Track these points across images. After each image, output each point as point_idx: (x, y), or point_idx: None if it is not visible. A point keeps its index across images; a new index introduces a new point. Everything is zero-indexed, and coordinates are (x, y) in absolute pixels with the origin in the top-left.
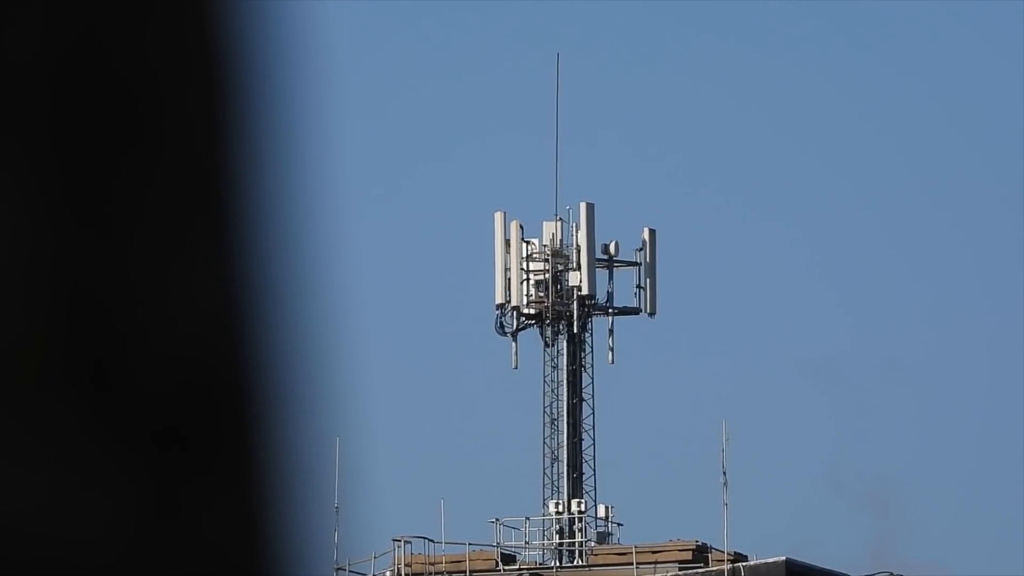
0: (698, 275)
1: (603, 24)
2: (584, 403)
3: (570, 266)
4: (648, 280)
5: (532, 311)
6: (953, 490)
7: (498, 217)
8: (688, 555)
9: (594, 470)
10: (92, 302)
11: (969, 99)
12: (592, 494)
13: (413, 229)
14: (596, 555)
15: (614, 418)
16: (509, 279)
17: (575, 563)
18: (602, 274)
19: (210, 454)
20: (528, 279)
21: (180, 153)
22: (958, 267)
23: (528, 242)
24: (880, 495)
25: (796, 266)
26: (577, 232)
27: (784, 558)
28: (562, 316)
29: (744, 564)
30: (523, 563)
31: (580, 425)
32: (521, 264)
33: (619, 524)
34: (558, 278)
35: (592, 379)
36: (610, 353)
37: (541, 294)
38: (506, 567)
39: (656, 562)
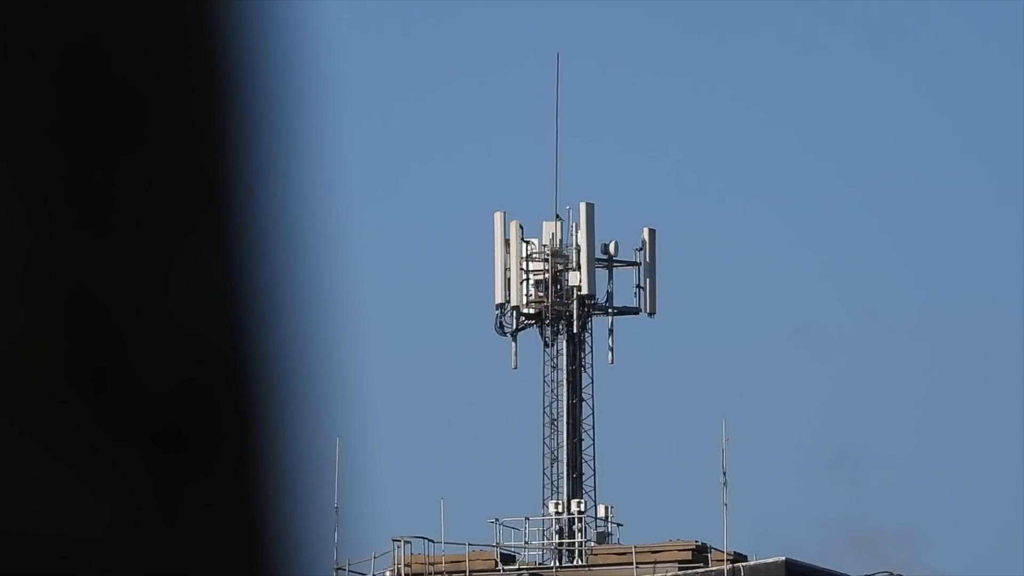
0: (698, 275)
1: (603, 24)
2: (584, 403)
3: (570, 266)
4: (648, 280)
5: (532, 311)
6: (953, 489)
7: (498, 217)
8: (688, 555)
9: (594, 470)
10: (92, 302)
11: (969, 99)
12: (592, 494)
13: (413, 229)
14: (596, 555)
15: (614, 418)
16: (509, 279)
17: (575, 563)
18: (602, 274)
19: (210, 454)
20: (528, 279)
21: (180, 153)
22: (958, 267)
23: (528, 242)
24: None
25: (796, 266)
26: (577, 232)
27: (784, 558)
28: (562, 316)
29: (744, 564)
30: (523, 563)
31: (580, 425)
32: (521, 264)
33: (619, 524)
34: (558, 278)
35: (592, 379)
36: (610, 353)
37: (541, 294)
38: (506, 567)
39: (656, 562)
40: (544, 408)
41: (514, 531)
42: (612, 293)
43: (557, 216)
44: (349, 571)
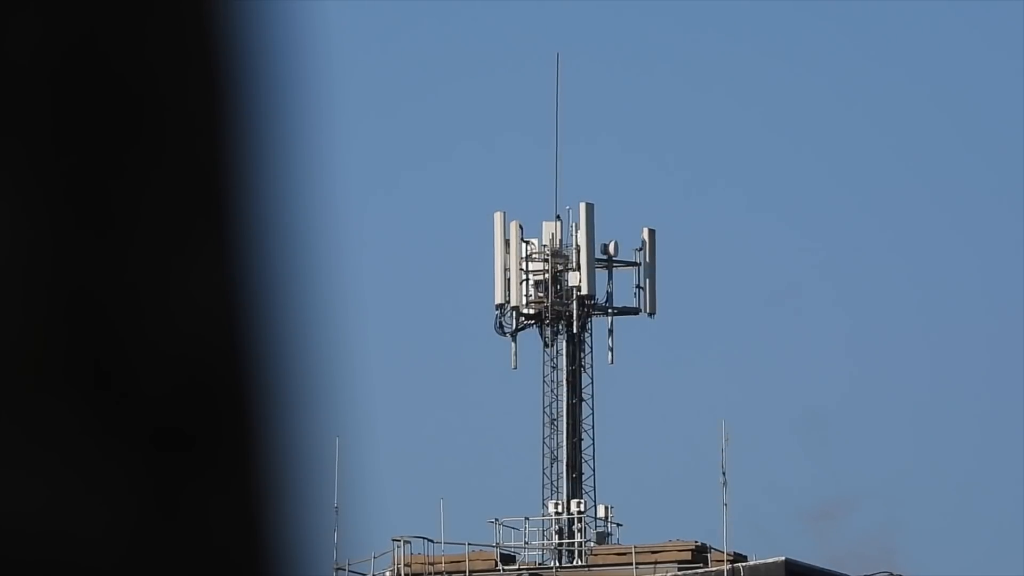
0: (698, 275)
1: (603, 24)
2: (584, 403)
3: (570, 266)
4: (648, 280)
5: (532, 311)
6: (953, 490)
7: (498, 217)
8: (688, 555)
9: (593, 470)
10: (92, 302)
11: (969, 99)
12: (592, 494)
13: (413, 229)
14: (596, 555)
15: (614, 418)
16: (508, 279)
17: (575, 563)
18: (602, 274)
19: (210, 454)
20: (528, 279)
21: (180, 153)
22: (958, 267)
23: (528, 242)
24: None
25: (796, 266)
26: (577, 232)
27: (784, 558)
28: (561, 316)
29: (744, 564)
30: (523, 563)
31: (580, 425)
32: (521, 264)
33: (619, 524)
34: (557, 278)
35: (592, 379)
36: (610, 353)
37: (540, 294)
38: (506, 567)
39: (656, 562)
40: (544, 408)
41: (514, 531)
42: (612, 293)
43: (557, 216)
44: (349, 571)
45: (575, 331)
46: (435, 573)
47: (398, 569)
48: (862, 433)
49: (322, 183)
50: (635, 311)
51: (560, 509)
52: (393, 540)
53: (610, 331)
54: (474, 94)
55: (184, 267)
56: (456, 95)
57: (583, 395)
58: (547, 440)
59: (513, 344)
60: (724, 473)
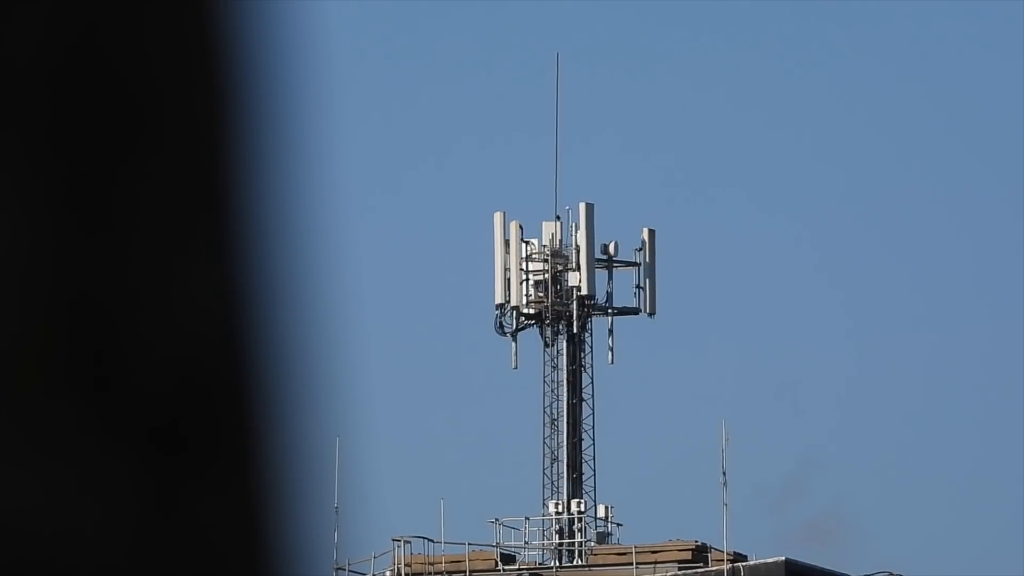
0: (698, 275)
1: (603, 24)
2: (584, 403)
3: (569, 266)
4: (648, 280)
5: (532, 311)
6: (953, 490)
7: (498, 217)
8: (688, 555)
9: (594, 470)
10: (92, 302)
11: (969, 99)
12: (592, 494)
13: (413, 229)
14: (596, 555)
15: (614, 418)
16: (509, 279)
17: (575, 563)
18: (601, 274)
19: (210, 454)
20: (528, 279)
21: (180, 153)
22: (958, 267)
23: (528, 242)
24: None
25: (796, 266)
26: (576, 232)
27: (784, 558)
28: (562, 316)
29: (744, 564)
30: (523, 563)
31: (580, 425)
32: (521, 264)
33: (619, 524)
34: (558, 278)
35: (592, 379)
36: (610, 353)
37: (541, 294)
38: (506, 567)
39: (656, 562)
40: (544, 408)
41: (514, 531)
42: (612, 293)
43: (557, 216)
44: (349, 571)
45: (575, 331)
46: (435, 573)
47: (398, 569)
48: (862, 433)
49: (322, 183)
50: (635, 311)
51: (560, 509)
52: (393, 540)
53: (610, 331)
54: (474, 94)
55: (184, 267)
56: (456, 95)
57: (583, 395)
58: (547, 440)
59: (513, 344)
60: (724, 473)
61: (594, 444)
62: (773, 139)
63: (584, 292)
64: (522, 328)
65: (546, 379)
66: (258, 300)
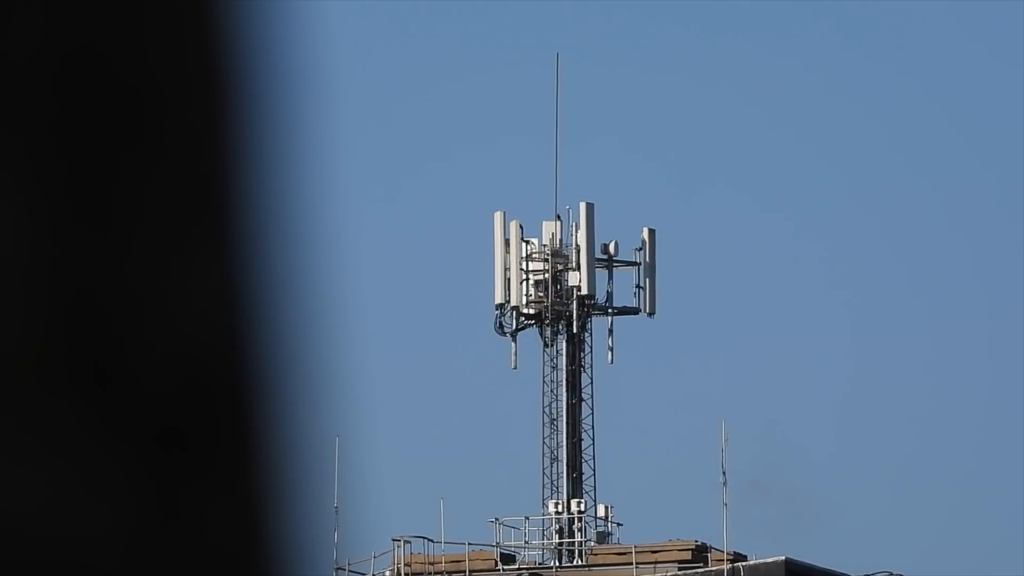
0: (698, 275)
1: (603, 25)
2: (584, 403)
3: (569, 266)
4: (647, 280)
5: (532, 311)
6: (953, 490)
7: (498, 217)
8: (688, 555)
9: (594, 470)
10: (92, 302)
11: (969, 99)
12: (592, 494)
13: (413, 229)
14: (596, 555)
15: (614, 418)
16: (509, 279)
17: (575, 563)
18: (602, 274)
19: (210, 454)
20: (528, 279)
21: (180, 153)
22: (958, 267)
23: (528, 242)
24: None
25: (796, 266)
26: (577, 232)
27: (784, 558)
28: (561, 316)
29: (744, 564)
30: (523, 563)
31: (580, 425)
32: (521, 264)
33: (619, 524)
34: (558, 278)
35: (592, 379)
36: (609, 353)
37: (541, 294)
38: (506, 567)
39: (656, 562)
40: (544, 408)
41: (514, 531)
42: (612, 293)
43: (557, 216)
44: (349, 571)
45: (575, 331)
46: (435, 573)
47: (398, 569)
48: (863, 433)
49: (322, 183)
50: (635, 311)
51: (560, 509)
52: (393, 540)
53: (610, 331)
54: (474, 94)
55: (184, 267)
56: (456, 95)
57: (583, 395)
58: (547, 440)
59: (513, 344)
60: (724, 473)
61: (594, 444)
62: (773, 139)
63: (584, 292)
64: (522, 328)
65: (546, 379)
66: (258, 300)
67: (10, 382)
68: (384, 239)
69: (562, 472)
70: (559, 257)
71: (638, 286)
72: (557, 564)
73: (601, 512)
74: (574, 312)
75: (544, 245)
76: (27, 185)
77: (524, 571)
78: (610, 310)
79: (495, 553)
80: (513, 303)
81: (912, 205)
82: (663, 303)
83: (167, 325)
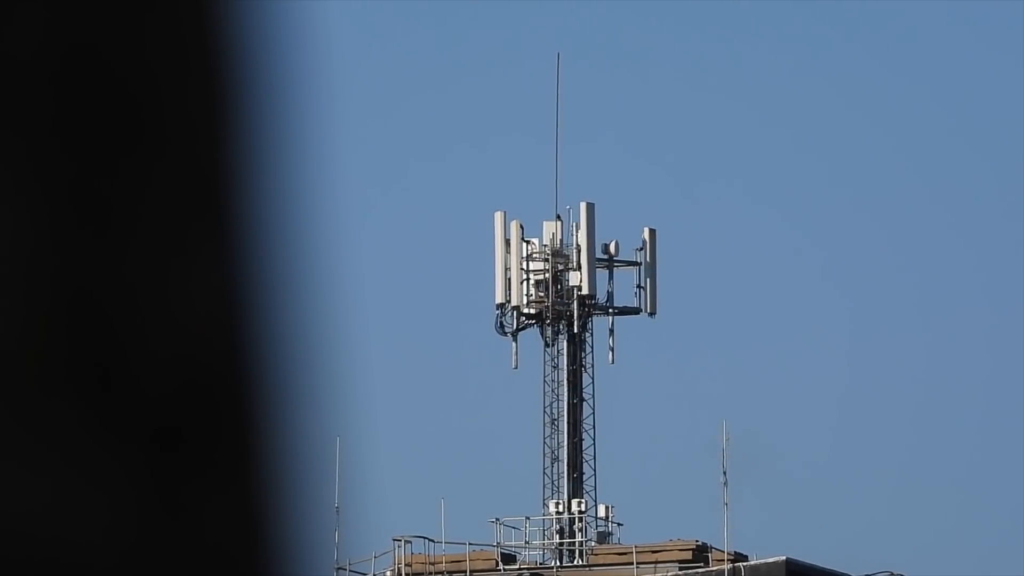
0: (698, 275)
1: (603, 24)
2: (584, 403)
3: (570, 266)
4: (648, 280)
5: (532, 311)
6: (953, 490)
7: (498, 217)
8: (688, 555)
9: (594, 470)
10: (92, 302)
11: (969, 99)
12: (592, 494)
13: (413, 229)
14: (596, 555)
15: (614, 418)
16: (509, 279)
17: (575, 563)
18: (602, 274)
19: (210, 454)
20: (528, 279)
21: (180, 153)
22: (958, 267)
23: (528, 242)
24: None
25: (796, 266)
26: (577, 232)
27: (784, 558)
28: (562, 316)
29: (744, 564)
30: (523, 563)
31: (580, 425)
32: (521, 264)
33: (619, 524)
34: (558, 278)
35: (592, 379)
36: (610, 353)
37: (541, 294)
38: (506, 567)
39: (656, 562)
40: (544, 408)
41: (514, 531)
42: (612, 293)
43: (557, 216)
44: (350, 571)
45: (576, 331)
46: (436, 573)
47: (399, 569)
48: (862, 432)
49: (322, 183)
50: (635, 311)
51: (561, 509)
52: (394, 540)
53: (611, 331)
54: (474, 94)
55: (184, 267)
56: (456, 95)
57: (584, 395)
58: (548, 440)
59: (514, 344)
60: (725, 473)
61: (594, 444)
62: (773, 139)
63: (585, 292)
64: (522, 328)
65: (546, 379)
66: (258, 300)
67: (10, 382)
68: (384, 239)
69: (563, 472)
70: (560, 257)
71: (639, 286)
72: (558, 564)
73: (602, 512)
74: (575, 312)
75: (545, 245)
76: (28, 185)
77: (525, 571)
78: (611, 310)
79: (496, 553)
80: (514, 303)
81: (912, 205)
82: (664, 303)
83: (168, 325)
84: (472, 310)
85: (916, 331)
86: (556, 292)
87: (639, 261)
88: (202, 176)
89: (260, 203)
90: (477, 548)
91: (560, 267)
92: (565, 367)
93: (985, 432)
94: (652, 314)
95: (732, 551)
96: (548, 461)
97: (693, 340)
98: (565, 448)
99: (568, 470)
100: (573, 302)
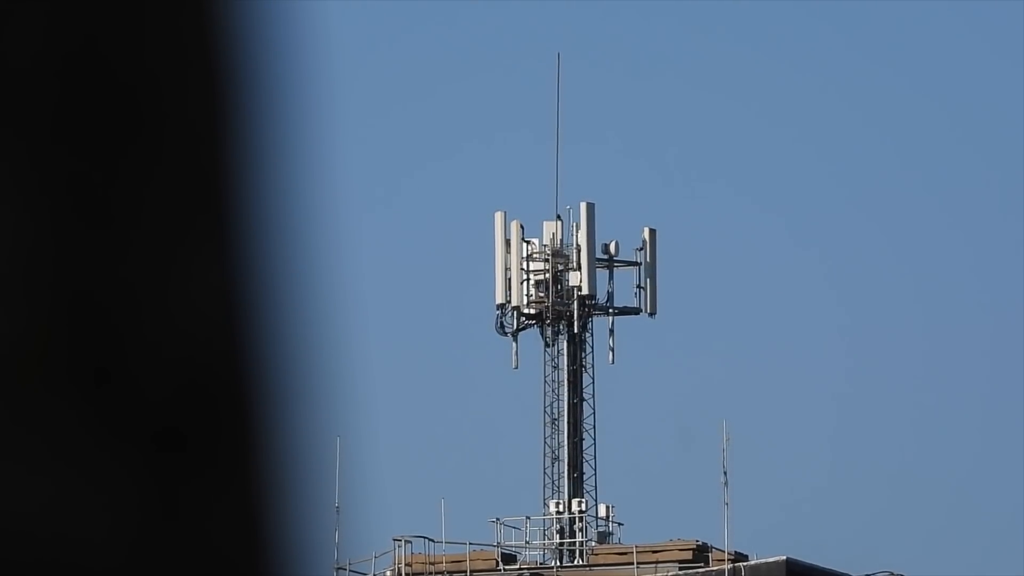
0: (698, 275)
1: (603, 24)
2: (584, 403)
3: (570, 266)
4: (648, 280)
5: (532, 311)
6: (953, 490)
7: (498, 217)
8: (688, 555)
9: (595, 470)
10: (92, 302)
11: (969, 99)
12: (592, 494)
13: (413, 229)
14: (596, 555)
15: (615, 418)
16: (509, 279)
17: (575, 563)
18: (602, 274)
19: (210, 454)
20: (528, 279)
21: (180, 153)
22: (958, 267)
23: (528, 242)
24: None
25: (797, 266)
26: (577, 232)
27: (784, 558)
28: (562, 316)
29: (744, 564)
30: (523, 563)
31: (580, 425)
32: (521, 264)
33: (619, 524)
34: (558, 278)
35: (592, 379)
36: (610, 353)
37: (541, 294)
38: (506, 567)
39: (656, 562)
40: (545, 408)
41: (515, 531)
42: (612, 293)
43: (557, 216)
44: (350, 571)
45: (576, 331)
46: (436, 573)
47: (399, 569)
48: (862, 432)
49: (322, 183)
50: (636, 311)
51: (561, 508)
52: (394, 540)
53: (611, 331)
54: (474, 94)
55: (184, 267)
56: (457, 95)
57: (584, 395)
58: (548, 440)
59: (514, 344)
60: (725, 473)
61: (595, 444)
62: (773, 139)
63: (585, 292)
64: (523, 328)
65: (547, 379)
66: (259, 300)
67: (10, 382)
68: (384, 239)
69: (563, 472)
70: (560, 257)
71: (639, 286)
72: (558, 564)
73: (602, 512)
74: (575, 312)
75: (545, 245)
76: (28, 185)
77: (525, 571)
78: (611, 310)
79: (496, 553)
80: (514, 303)
81: (912, 205)
82: (664, 303)
83: (168, 325)
84: (472, 310)
85: (916, 331)
86: (556, 292)
87: (639, 261)
88: (202, 176)
89: (260, 203)
90: (477, 548)
91: (560, 267)
92: (565, 367)
93: (985, 432)
94: (652, 314)
95: (732, 551)
96: (548, 461)
97: (693, 340)
98: (565, 448)
99: (568, 470)
100: (573, 302)
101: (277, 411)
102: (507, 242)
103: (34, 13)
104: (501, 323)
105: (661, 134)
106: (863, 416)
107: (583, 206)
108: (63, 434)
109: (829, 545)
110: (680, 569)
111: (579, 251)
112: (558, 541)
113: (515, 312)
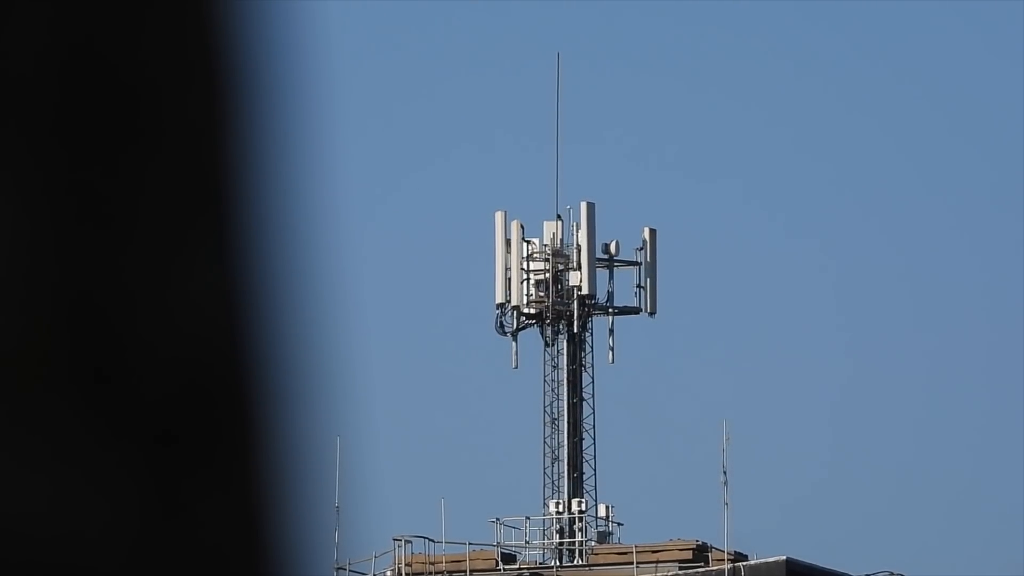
0: (698, 275)
1: (603, 24)
2: (584, 403)
3: (570, 266)
4: (648, 280)
5: (532, 311)
6: (953, 490)
7: (498, 217)
8: (688, 555)
9: (594, 470)
10: (92, 302)
11: (969, 99)
12: (592, 493)
13: (413, 229)
14: (596, 555)
15: (615, 418)
16: (509, 279)
17: (575, 563)
18: (602, 274)
19: (210, 454)
20: (528, 279)
21: (180, 154)
22: (958, 267)
23: (528, 242)
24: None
25: (797, 266)
26: (577, 232)
27: (784, 557)
28: (562, 316)
29: (744, 564)
30: (523, 563)
31: (580, 425)
32: (521, 264)
33: (619, 524)
34: (558, 278)
35: (592, 379)
36: (610, 353)
37: (541, 294)
38: (506, 567)
39: (656, 561)
40: (545, 408)
41: (515, 531)
42: (612, 293)
43: (558, 216)
44: (350, 571)
45: (576, 331)
46: (436, 573)
47: (399, 569)
48: (862, 432)
49: (322, 183)
50: (636, 311)
51: (561, 508)
52: (394, 540)
53: (611, 331)
54: (474, 94)
55: (183, 267)
56: (456, 95)
57: (584, 394)
58: (548, 440)
59: (514, 344)
60: (725, 472)
61: (595, 443)
62: (774, 139)
63: (585, 291)
64: (522, 328)
65: (547, 379)
66: (258, 300)
67: (10, 382)
68: (384, 239)
69: (563, 472)
70: (560, 257)
71: (639, 286)
72: (558, 564)
73: (602, 512)
74: (575, 312)
75: (545, 245)
76: (28, 185)
77: (525, 571)
78: (611, 310)
79: (496, 553)
80: (514, 303)
81: (912, 205)
82: (664, 303)
83: (167, 324)
84: (472, 310)
85: (916, 331)
86: (556, 292)
87: (639, 261)
88: (202, 176)
89: (260, 203)
90: (477, 548)
91: (560, 267)
92: (565, 367)
93: (985, 432)
94: (652, 314)
95: (732, 551)
96: (548, 461)
97: (693, 340)
98: (565, 448)
99: (568, 470)
100: (573, 302)
101: (277, 411)
102: (507, 242)
103: (34, 13)
104: (501, 323)
105: (661, 134)
106: (863, 416)
107: (583, 206)
108: (63, 434)
109: (829, 545)
110: (680, 569)
111: (579, 251)
112: (558, 541)
113: (515, 312)
